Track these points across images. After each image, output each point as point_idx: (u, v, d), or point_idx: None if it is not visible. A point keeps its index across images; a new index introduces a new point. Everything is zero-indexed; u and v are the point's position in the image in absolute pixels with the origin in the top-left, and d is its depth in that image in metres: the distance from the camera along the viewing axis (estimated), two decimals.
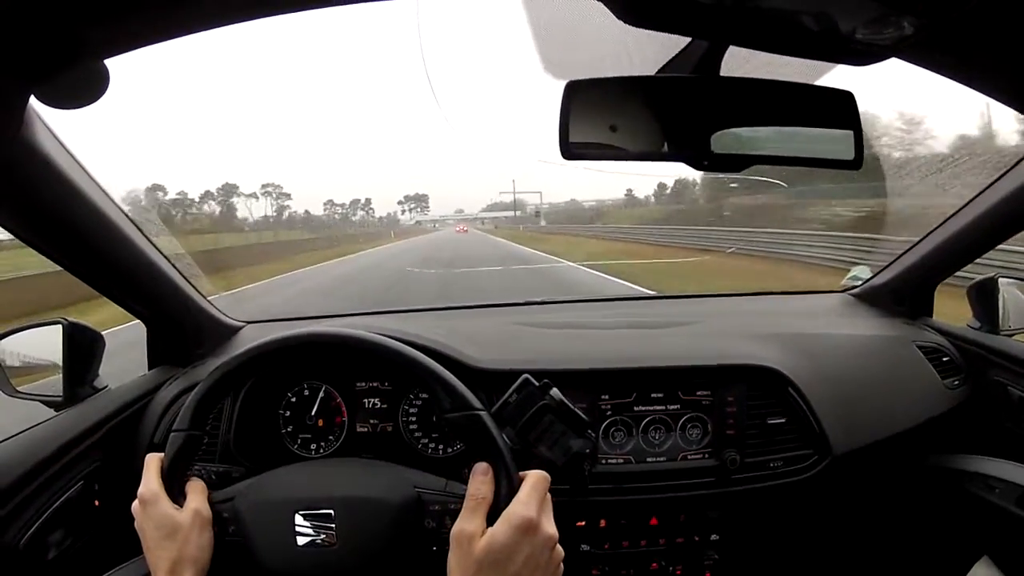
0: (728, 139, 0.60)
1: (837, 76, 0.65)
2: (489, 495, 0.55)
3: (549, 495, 0.56)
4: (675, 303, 1.35)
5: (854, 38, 0.55)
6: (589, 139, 0.58)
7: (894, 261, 1.14)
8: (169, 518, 0.58)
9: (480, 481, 0.56)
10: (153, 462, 0.61)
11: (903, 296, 1.12)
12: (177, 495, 0.60)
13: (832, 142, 0.63)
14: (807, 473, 0.86)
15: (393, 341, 0.63)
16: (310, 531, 0.58)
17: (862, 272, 1.25)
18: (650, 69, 0.63)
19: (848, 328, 1.07)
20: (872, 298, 1.16)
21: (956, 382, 1.01)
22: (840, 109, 0.63)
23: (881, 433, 0.90)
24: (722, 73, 0.61)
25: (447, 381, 0.60)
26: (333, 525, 0.58)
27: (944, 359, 1.02)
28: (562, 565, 0.55)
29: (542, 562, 0.52)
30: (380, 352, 0.62)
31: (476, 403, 0.59)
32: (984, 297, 1.06)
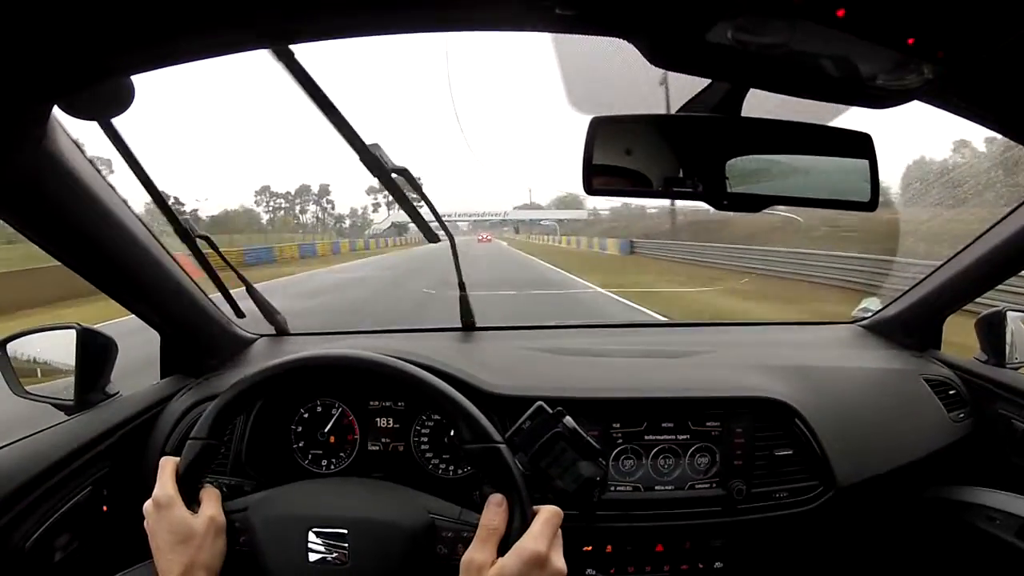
0: (747, 179, 0.62)
1: (855, 113, 0.67)
2: (501, 527, 0.57)
3: (560, 531, 0.58)
4: (688, 331, 1.37)
5: (874, 83, 0.57)
6: (612, 174, 0.61)
7: (904, 294, 1.16)
8: (184, 523, 0.59)
9: (494, 512, 0.57)
10: (168, 466, 0.62)
11: (912, 328, 1.15)
12: (190, 501, 0.61)
13: (849, 183, 0.65)
14: (811, 504, 0.88)
15: (418, 369, 0.65)
16: (322, 549, 0.59)
17: (872, 304, 1.27)
18: (672, 106, 0.65)
19: (857, 360, 1.09)
20: (881, 330, 1.19)
21: (961, 415, 1.03)
22: (858, 150, 0.65)
23: (886, 465, 0.92)
24: (742, 111, 0.63)
25: (469, 413, 0.62)
26: (346, 544, 0.59)
27: (951, 392, 1.04)
28: None
29: None
30: (405, 380, 0.64)
31: (496, 436, 0.61)
32: (991, 330, 1.08)
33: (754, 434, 0.89)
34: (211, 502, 0.62)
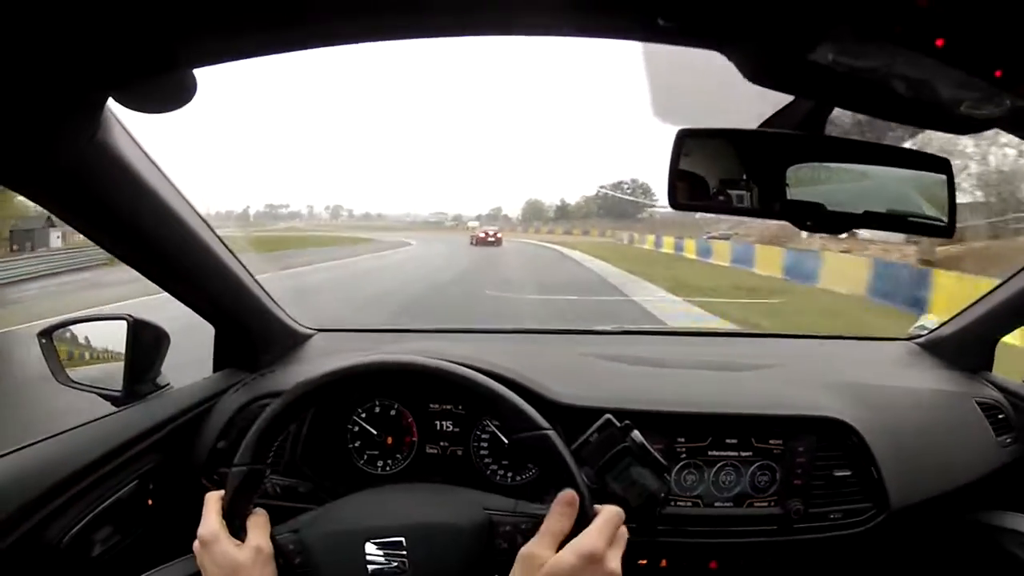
0: (830, 200, 0.63)
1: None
2: (568, 526, 0.57)
3: (624, 530, 0.58)
4: (748, 342, 1.39)
5: (958, 110, 0.58)
6: (696, 189, 0.62)
7: (961, 313, 1.18)
8: (230, 558, 0.59)
9: (561, 511, 0.58)
10: (213, 501, 0.62)
11: (967, 349, 1.16)
12: (238, 530, 0.61)
13: (927, 207, 0.66)
14: (863, 527, 0.89)
15: (457, 366, 0.65)
16: (381, 559, 0.59)
17: (929, 322, 1.28)
18: (752, 121, 0.66)
19: (913, 380, 1.10)
20: (936, 349, 1.20)
21: (1008, 440, 1.04)
22: (936, 174, 0.66)
23: (936, 489, 0.93)
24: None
25: (513, 403, 0.63)
26: (404, 552, 0.59)
27: (1000, 416, 1.05)
28: None
29: None
30: (445, 376, 0.65)
31: (542, 422, 0.62)
32: None
33: (815, 453, 0.90)
34: (258, 531, 0.61)
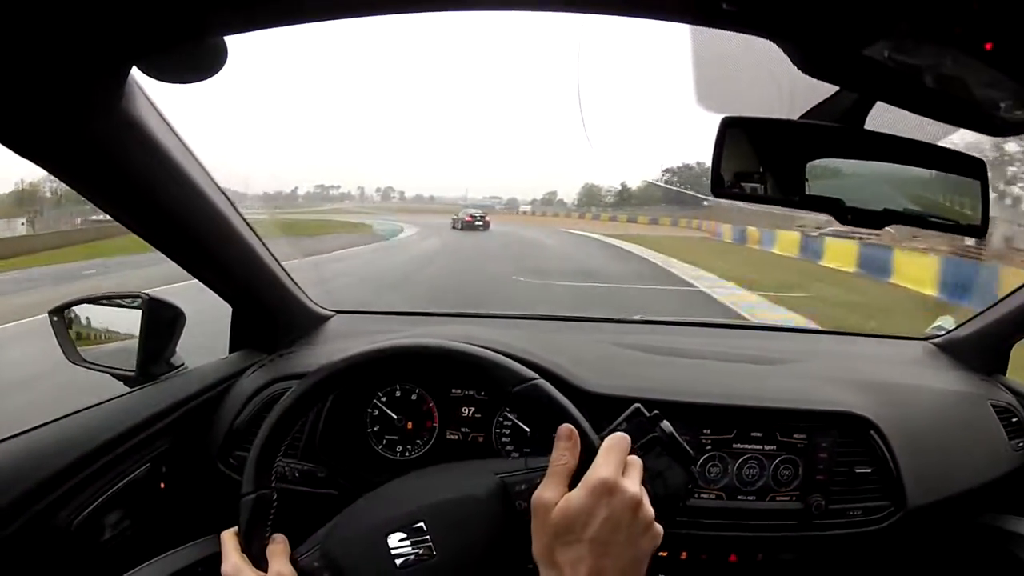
0: (868, 194, 0.63)
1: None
2: (572, 461, 0.56)
3: (636, 458, 0.57)
4: (768, 336, 1.40)
5: (996, 112, 0.59)
6: (738, 178, 0.61)
7: (978, 315, 1.19)
8: None
9: (563, 447, 0.57)
10: (229, 538, 0.61)
11: (982, 351, 1.17)
12: (259, 560, 0.60)
13: (960, 206, 0.67)
14: (880, 524, 0.90)
15: (435, 340, 0.65)
16: (407, 549, 0.58)
17: (946, 322, 1.30)
18: (795, 111, 0.66)
19: (929, 380, 1.12)
20: (952, 350, 1.21)
21: (1021, 444, 1.05)
22: (970, 174, 0.66)
23: (949, 490, 0.95)
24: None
25: (496, 361, 0.63)
26: (427, 536, 0.59)
27: (1014, 420, 1.07)
28: (657, 526, 0.56)
29: (624, 523, 0.53)
30: (424, 352, 0.65)
31: (530, 373, 0.62)
32: None
33: (837, 449, 0.91)
34: (277, 559, 0.60)
